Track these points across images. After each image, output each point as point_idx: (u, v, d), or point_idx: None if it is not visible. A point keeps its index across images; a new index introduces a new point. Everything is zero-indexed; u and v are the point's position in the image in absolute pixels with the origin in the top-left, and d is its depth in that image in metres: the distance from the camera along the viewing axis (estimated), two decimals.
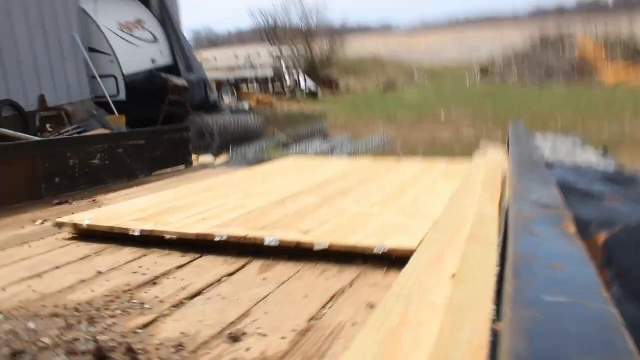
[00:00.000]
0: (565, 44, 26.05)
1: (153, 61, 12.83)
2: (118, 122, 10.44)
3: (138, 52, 12.48)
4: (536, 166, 1.50)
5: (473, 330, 0.99)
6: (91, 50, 11.44)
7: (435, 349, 0.94)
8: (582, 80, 21.66)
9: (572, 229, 0.95)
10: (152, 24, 13.40)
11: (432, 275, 1.31)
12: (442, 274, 1.32)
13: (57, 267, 2.24)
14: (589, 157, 2.09)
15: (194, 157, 6.55)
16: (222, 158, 8.96)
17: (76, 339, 1.52)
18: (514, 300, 0.71)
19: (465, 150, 8.21)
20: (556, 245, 0.94)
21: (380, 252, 1.98)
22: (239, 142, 10.28)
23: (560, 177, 1.56)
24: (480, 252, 1.41)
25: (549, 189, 1.25)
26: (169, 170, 4.90)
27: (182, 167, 5.11)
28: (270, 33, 34.80)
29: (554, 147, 2.33)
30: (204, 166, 5.55)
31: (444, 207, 2.15)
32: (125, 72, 11.78)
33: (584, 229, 1.21)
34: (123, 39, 12.22)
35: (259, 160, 6.62)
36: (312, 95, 22.21)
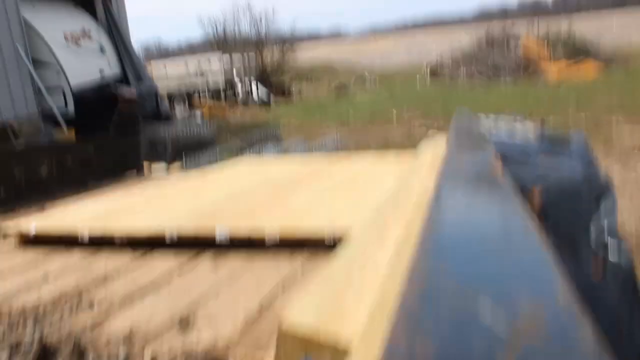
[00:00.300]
0: (510, 43, 26.72)
1: (101, 72, 12.56)
2: (67, 136, 10.20)
3: (85, 63, 12.19)
4: (471, 130, 1.54)
5: None
6: (36, 61, 11.12)
7: (375, 304, 0.95)
8: (528, 78, 22.23)
9: (497, 166, 0.99)
10: (99, 34, 13.11)
11: (375, 241, 1.33)
12: (386, 241, 1.34)
13: (1, 274, 2.18)
14: (527, 128, 2.16)
15: (145, 165, 6.45)
16: (175, 167, 8.84)
17: (20, 340, 1.49)
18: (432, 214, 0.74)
19: (417, 143, 8.30)
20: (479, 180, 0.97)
21: (330, 237, 1.99)
22: (192, 150, 10.17)
23: (496, 141, 1.61)
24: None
25: (480, 142, 1.29)
26: (119, 178, 4.81)
27: (134, 174, 5.02)
28: (220, 42, 34.58)
29: (495, 122, 2.40)
30: (156, 173, 5.46)
31: (390, 187, 2.18)
32: (73, 83, 11.49)
33: (521, 185, 1.25)
34: (69, 49, 11.92)
35: (212, 166, 6.56)
36: (264, 100, 22.17)
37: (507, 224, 0.74)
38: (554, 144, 1.73)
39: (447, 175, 1.12)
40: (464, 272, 0.54)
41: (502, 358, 0.38)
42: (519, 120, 2.64)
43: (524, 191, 1.22)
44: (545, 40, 25.76)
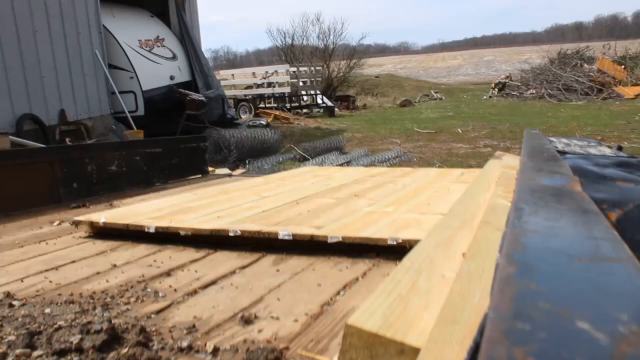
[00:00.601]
0: (584, 59, 25.91)
1: (172, 77, 13.01)
2: (136, 136, 10.58)
3: (157, 69, 12.66)
4: (546, 151, 1.50)
5: (482, 296, 0.99)
6: (111, 66, 11.63)
7: (444, 310, 0.94)
8: (601, 100, 21.43)
9: (577, 187, 0.96)
10: (172, 42, 13.60)
11: (442, 253, 1.31)
12: (453, 253, 1.32)
13: (73, 261, 2.27)
14: (603, 152, 2.09)
15: (210, 169, 6.60)
16: (239, 170, 9.00)
17: (90, 322, 1.54)
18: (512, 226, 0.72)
19: (482, 162, 8.19)
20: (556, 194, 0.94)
21: (394, 244, 1.98)
22: (256, 156, 10.34)
23: (572, 163, 1.56)
24: (492, 234, 1.40)
25: (557, 163, 1.26)
26: (185, 178, 4.95)
27: (199, 176, 5.15)
28: (288, 52, 35.16)
29: (569, 145, 2.33)
30: (220, 176, 5.58)
31: (457, 200, 2.14)
32: (144, 88, 11.94)
33: (597, 208, 1.20)
34: (143, 55, 12.42)
35: (275, 173, 6.65)
36: (329, 112, 22.30)
37: (597, 243, 0.71)
38: (634, 169, 1.66)
39: (526, 193, 1.09)
40: (558, 288, 0.52)
41: None
42: (593, 143, 2.56)
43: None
44: (623, 62, 24.79)
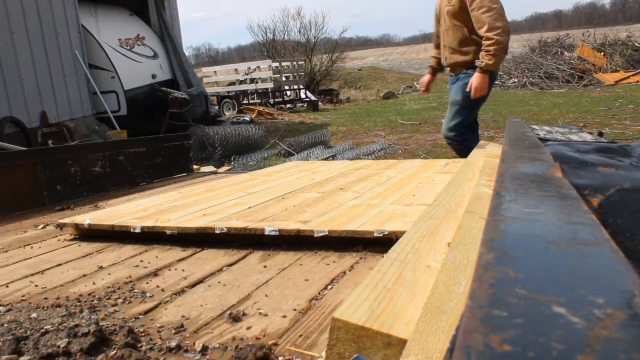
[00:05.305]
0: (564, 47, 26.10)
1: (153, 76, 12.90)
2: (119, 136, 10.49)
3: (138, 68, 12.55)
4: (527, 139, 1.51)
5: (467, 285, 1.00)
6: (92, 66, 11.52)
7: (430, 300, 0.95)
8: (582, 88, 21.58)
9: (557, 173, 0.97)
10: (152, 40, 13.48)
11: (427, 243, 1.32)
12: (438, 243, 1.33)
13: (59, 265, 2.25)
14: (585, 138, 2.11)
15: (195, 167, 6.57)
16: (224, 168, 8.97)
17: (78, 325, 1.53)
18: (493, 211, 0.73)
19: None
20: (537, 177, 0.95)
21: (380, 236, 1.99)
22: (241, 153, 10.30)
23: (553, 150, 1.57)
24: (476, 223, 1.41)
25: (538, 150, 1.27)
26: (170, 177, 4.93)
27: (184, 174, 5.13)
28: (270, 47, 35.06)
29: (550, 132, 2.35)
30: (205, 174, 5.56)
31: (442, 190, 2.16)
32: (126, 87, 11.84)
33: (579, 194, 1.21)
34: (123, 54, 12.29)
35: (260, 169, 6.63)
36: (313, 106, 22.27)
37: (576, 228, 0.72)
38: (614, 154, 1.68)
39: (506, 180, 1.10)
40: (535, 274, 0.53)
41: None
42: (575, 130, 2.58)
43: (585, 202, 1.18)
44: (602, 50, 24.96)
